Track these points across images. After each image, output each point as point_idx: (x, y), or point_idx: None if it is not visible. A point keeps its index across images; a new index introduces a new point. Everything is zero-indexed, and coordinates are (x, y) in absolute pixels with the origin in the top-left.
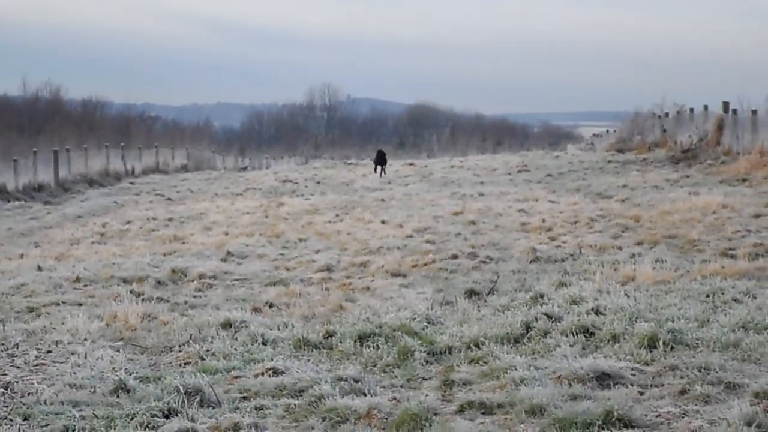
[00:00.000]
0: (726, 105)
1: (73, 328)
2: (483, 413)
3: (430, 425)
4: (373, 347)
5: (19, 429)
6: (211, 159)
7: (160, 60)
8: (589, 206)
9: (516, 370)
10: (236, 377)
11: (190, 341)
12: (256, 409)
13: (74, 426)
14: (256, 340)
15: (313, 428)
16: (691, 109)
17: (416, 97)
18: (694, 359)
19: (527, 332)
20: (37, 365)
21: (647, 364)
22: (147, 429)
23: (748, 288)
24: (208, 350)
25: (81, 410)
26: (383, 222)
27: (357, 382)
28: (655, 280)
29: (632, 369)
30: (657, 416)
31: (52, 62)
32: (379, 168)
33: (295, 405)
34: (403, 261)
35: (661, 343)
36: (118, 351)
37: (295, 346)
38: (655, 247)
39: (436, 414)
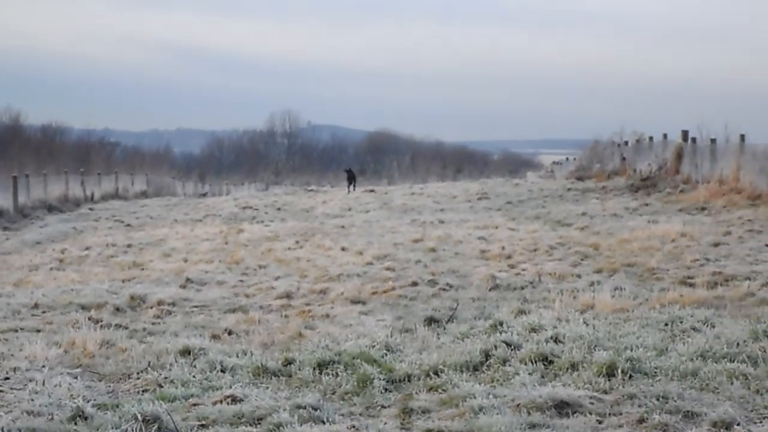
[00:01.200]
0: (685, 134)
1: (31, 354)
2: None
3: None
4: (333, 375)
5: None
6: (171, 185)
7: (120, 86)
8: (548, 234)
9: (475, 398)
10: (194, 405)
11: (149, 368)
12: None
13: None
14: (215, 368)
15: None
16: (651, 138)
17: (377, 124)
18: (653, 388)
19: (486, 360)
20: None
21: (606, 393)
22: None
23: (706, 317)
24: (166, 377)
25: None
26: (343, 249)
27: (316, 410)
28: (614, 308)
29: (591, 397)
30: None
31: (11, 87)
32: (350, 185)
33: None
34: (362, 288)
35: (619, 371)
36: (76, 378)
37: (254, 373)
38: (614, 276)
39: None
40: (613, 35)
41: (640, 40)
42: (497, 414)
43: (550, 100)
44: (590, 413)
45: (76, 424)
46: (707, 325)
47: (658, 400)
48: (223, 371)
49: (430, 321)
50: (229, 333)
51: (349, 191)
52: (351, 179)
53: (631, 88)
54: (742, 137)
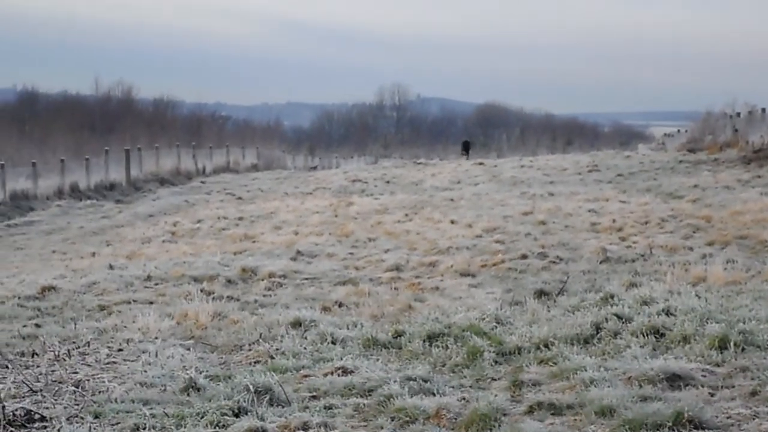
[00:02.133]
0: None
1: (144, 326)
2: (552, 414)
3: (499, 426)
4: (442, 347)
5: (90, 427)
6: (281, 158)
7: (231, 60)
8: (659, 206)
9: (586, 370)
10: (305, 376)
11: (260, 340)
12: (325, 408)
13: (145, 424)
14: (326, 339)
15: (382, 428)
16: (763, 109)
17: (486, 97)
18: (765, 360)
19: (597, 333)
20: (108, 363)
21: (718, 366)
22: (217, 427)
23: None
24: (277, 349)
25: (151, 408)
26: (452, 222)
27: (426, 381)
28: (726, 281)
29: (703, 370)
30: (727, 418)
31: (124, 61)
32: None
33: (364, 404)
34: (472, 261)
35: (732, 344)
36: (189, 349)
37: (365, 345)
38: (726, 248)
39: (505, 414)
40: (726, 6)
41: (752, 11)
42: (608, 387)
43: (662, 71)
44: (702, 386)
45: (188, 395)
46: None
47: None
48: (333, 343)
49: (540, 294)
50: (340, 305)
51: (462, 155)
52: (466, 149)
53: (743, 59)
54: None
